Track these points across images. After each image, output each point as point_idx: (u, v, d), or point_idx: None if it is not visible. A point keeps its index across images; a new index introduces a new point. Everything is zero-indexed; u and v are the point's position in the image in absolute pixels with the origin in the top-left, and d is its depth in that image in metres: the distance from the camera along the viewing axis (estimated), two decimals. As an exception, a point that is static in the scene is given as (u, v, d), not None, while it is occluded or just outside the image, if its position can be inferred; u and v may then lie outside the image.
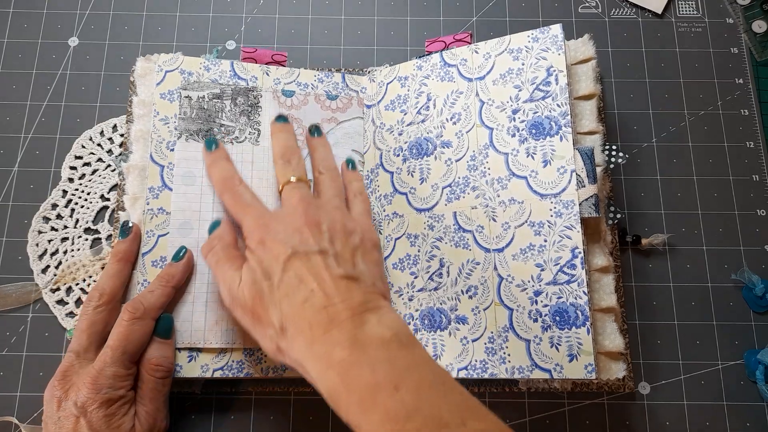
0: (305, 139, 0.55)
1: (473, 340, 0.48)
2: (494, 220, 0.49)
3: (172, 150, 0.53)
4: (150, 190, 0.52)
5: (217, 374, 0.49)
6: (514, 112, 0.51)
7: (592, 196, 0.48)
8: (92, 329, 0.47)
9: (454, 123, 0.52)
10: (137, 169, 0.53)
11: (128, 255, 0.50)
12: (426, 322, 0.50)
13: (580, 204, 0.47)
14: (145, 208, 0.51)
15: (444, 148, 0.52)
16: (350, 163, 0.55)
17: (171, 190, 0.52)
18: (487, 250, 0.49)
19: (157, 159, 0.53)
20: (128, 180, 0.54)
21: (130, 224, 0.51)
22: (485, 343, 0.48)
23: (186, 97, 0.54)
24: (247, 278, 0.43)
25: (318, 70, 0.58)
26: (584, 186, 0.48)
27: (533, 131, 0.50)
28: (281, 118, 0.54)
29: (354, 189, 0.53)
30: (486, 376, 0.48)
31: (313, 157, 0.54)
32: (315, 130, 0.55)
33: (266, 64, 0.57)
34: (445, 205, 0.51)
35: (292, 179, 0.49)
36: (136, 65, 0.56)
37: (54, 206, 0.57)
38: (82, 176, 0.58)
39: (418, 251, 0.51)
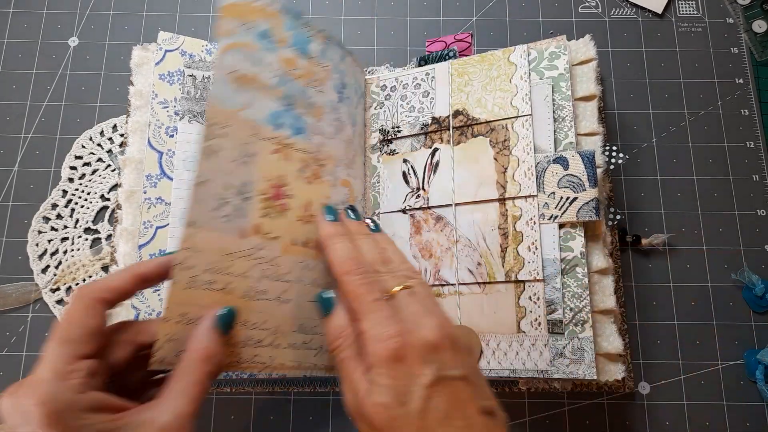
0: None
1: None
2: None
3: (172, 136, 0.51)
4: (147, 178, 0.50)
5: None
6: None
7: (592, 200, 0.48)
8: None
9: None
10: (134, 162, 0.52)
11: None
12: None
13: (580, 208, 0.48)
14: (142, 197, 0.50)
15: None
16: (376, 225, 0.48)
17: (171, 179, 0.50)
18: None
19: (156, 145, 0.51)
20: (124, 173, 0.52)
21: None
22: None
23: (190, 75, 0.53)
24: (379, 397, 0.37)
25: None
26: (584, 190, 0.48)
27: None
28: (356, 215, 0.48)
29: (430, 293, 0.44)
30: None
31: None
32: (375, 226, 0.48)
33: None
34: None
35: (397, 289, 0.42)
36: (132, 54, 0.55)
37: (54, 206, 0.57)
38: (82, 176, 0.58)
39: None
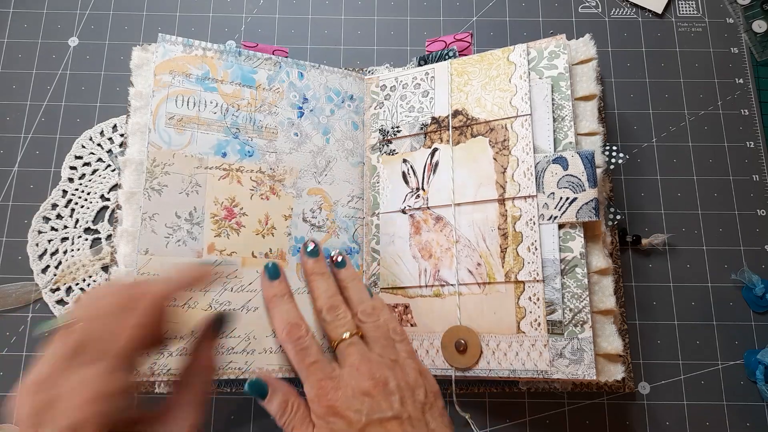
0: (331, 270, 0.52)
1: None
2: None
3: None
4: None
5: None
6: None
7: (591, 200, 0.48)
8: None
9: None
10: (134, 163, 0.52)
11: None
12: None
13: (579, 208, 0.48)
14: (142, 199, 0.51)
15: None
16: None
17: None
18: None
19: None
20: (124, 175, 0.52)
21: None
22: None
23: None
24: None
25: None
26: (584, 190, 0.48)
27: None
28: (313, 251, 0.51)
29: (392, 329, 0.49)
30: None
31: (346, 297, 0.50)
32: (340, 261, 0.52)
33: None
34: None
35: (346, 336, 0.47)
36: (132, 55, 0.55)
37: (54, 206, 0.57)
38: (82, 176, 0.58)
39: None
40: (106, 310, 0.35)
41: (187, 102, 0.52)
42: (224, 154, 0.52)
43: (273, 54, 0.58)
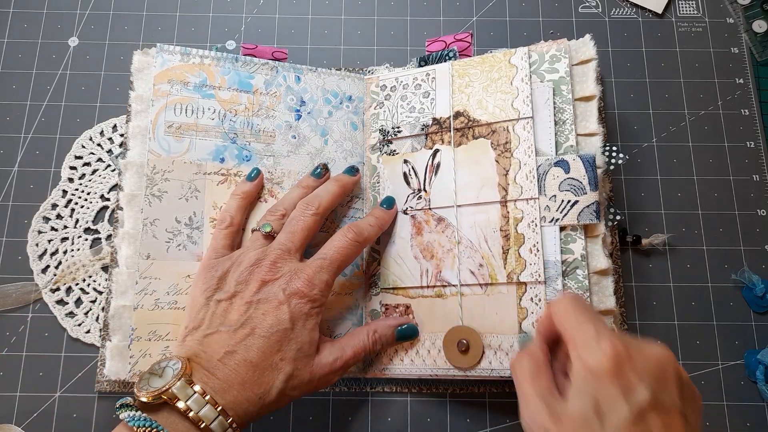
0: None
1: None
2: None
3: None
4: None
5: None
6: None
7: (593, 203, 0.48)
8: (307, 233, 0.48)
9: None
10: (135, 166, 0.53)
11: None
12: None
13: (580, 211, 0.48)
14: (143, 205, 0.51)
15: None
16: None
17: None
18: None
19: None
20: (125, 177, 0.53)
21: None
22: None
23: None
24: (577, 409, 0.34)
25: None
26: (585, 193, 0.48)
27: None
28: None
29: None
30: None
31: None
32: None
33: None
34: None
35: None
36: (133, 59, 0.56)
37: (54, 206, 0.57)
38: (82, 176, 0.58)
39: None
40: None
41: (185, 109, 0.53)
42: (222, 160, 0.53)
43: (273, 54, 0.58)
